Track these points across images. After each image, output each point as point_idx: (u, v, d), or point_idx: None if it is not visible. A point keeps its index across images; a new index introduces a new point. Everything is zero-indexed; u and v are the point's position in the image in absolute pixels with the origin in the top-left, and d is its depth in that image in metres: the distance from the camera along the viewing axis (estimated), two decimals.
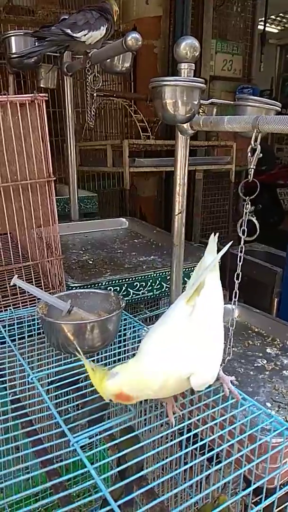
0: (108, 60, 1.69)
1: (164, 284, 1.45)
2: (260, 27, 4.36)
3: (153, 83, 0.96)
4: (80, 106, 3.11)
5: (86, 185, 3.22)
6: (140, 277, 1.41)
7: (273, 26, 6.75)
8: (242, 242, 0.80)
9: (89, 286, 1.29)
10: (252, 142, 0.80)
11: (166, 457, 0.71)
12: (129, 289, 1.39)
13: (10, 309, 1.02)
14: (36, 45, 1.45)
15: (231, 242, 0.83)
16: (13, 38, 1.77)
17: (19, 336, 0.98)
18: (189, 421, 0.74)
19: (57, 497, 0.60)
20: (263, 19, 4.47)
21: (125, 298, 1.17)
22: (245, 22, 4.01)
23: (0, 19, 2.80)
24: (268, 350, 1.15)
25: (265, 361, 1.10)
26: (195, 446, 0.68)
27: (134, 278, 1.40)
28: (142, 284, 1.41)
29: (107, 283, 1.35)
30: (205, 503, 0.70)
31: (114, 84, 3.45)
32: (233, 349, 1.15)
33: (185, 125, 1.03)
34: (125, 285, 1.39)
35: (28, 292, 1.02)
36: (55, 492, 0.63)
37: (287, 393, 0.97)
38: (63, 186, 2.37)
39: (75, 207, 2.09)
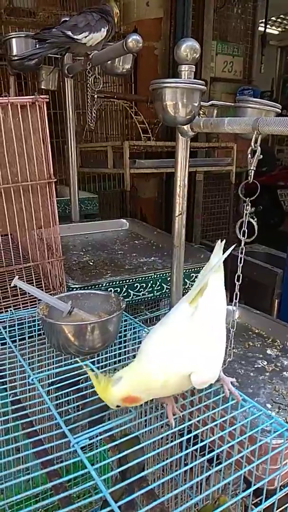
0: (109, 62, 1.69)
1: (164, 286, 1.45)
2: (261, 28, 4.36)
3: (153, 85, 0.97)
4: (80, 107, 3.11)
5: (86, 186, 3.22)
6: (140, 278, 1.41)
7: (273, 27, 6.75)
8: (242, 244, 0.81)
9: (89, 287, 1.29)
10: (252, 144, 0.80)
11: (167, 458, 0.71)
12: (129, 290, 1.39)
13: (10, 310, 1.02)
14: (37, 47, 1.45)
15: (235, 244, 0.83)
16: (14, 40, 1.77)
17: (19, 337, 0.98)
18: (189, 422, 0.74)
19: (57, 498, 0.60)
20: (263, 20, 4.48)
21: (126, 299, 1.17)
22: (245, 23, 4.01)
23: (1, 21, 2.80)
24: (269, 351, 1.15)
25: (265, 362, 1.10)
26: (195, 447, 0.68)
27: (134, 279, 1.40)
28: (143, 285, 1.41)
29: (107, 284, 1.35)
30: (205, 504, 0.70)
31: (114, 85, 3.46)
32: (234, 350, 1.15)
33: (185, 127, 1.03)
34: (126, 286, 1.39)
35: (28, 293, 1.02)
36: (56, 493, 0.63)
37: (287, 394, 0.97)
38: (64, 187, 2.37)
39: (75, 208, 2.09)
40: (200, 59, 3.16)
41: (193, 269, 1.47)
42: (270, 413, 0.72)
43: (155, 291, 1.44)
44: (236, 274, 0.82)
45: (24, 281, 0.97)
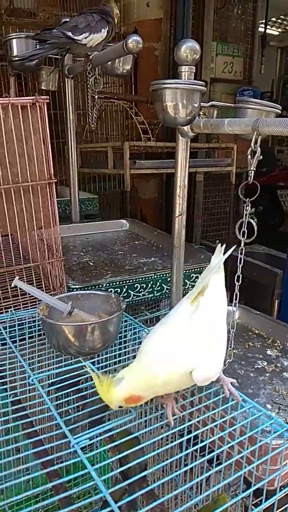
0: (109, 63, 1.69)
1: (164, 286, 1.45)
2: (261, 29, 4.37)
3: (153, 86, 0.97)
4: (81, 108, 3.11)
5: (87, 187, 3.22)
6: (140, 279, 1.41)
7: (273, 28, 6.76)
8: (242, 244, 0.81)
9: (89, 288, 1.29)
10: (252, 145, 0.80)
11: (167, 459, 0.71)
12: (129, 290, 1.39)
13: (11, 310, 1.03)
14: (38, 47, 1.46)
15: (235, 245, 0.83)
16: (14, 40, 1.77)
17: (20, 338, 0.98)
18: (190, 423, 0.74)
19: (58, 498, 0.60)
20: (263, 21, 4.48)
21: (126, 300, 1.17)
22: (245, 24, 4.02)
23: (1, 22, 2.81)
24: (269, 352, 1.16)
25: (265, 363, 1.10)
26: (195, 447, 0.68)
27: (134, 280, 1.40)
28: (143, 286, 1.42)
29: (107, 285, 1.35)
30: (205, 505, 0.70)
31: (115, 86, 3.46)
32: (234, 351, 1.15)
33: (185, 128, 1.03)
34: (126, 286, 1.39)
35: (29, 294, 1.03)
36: (56, 493, 0.63)
37: (287, 395, 0.97)
38: (64, 188, 2.37)
39: (75, 209, 2.09)
40: (200, 59, 3.16)
41: (193, 270, 1.48)
42: (270, 414, 0.72)
43: (155, 292, 1.44)
44: (236, 275, 0.82)
45: (24, 282, 0.97)
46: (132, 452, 0.65)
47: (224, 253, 0.80)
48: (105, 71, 1.77)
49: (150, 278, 1.42)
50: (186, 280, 1.42)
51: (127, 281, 1.39)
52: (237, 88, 3.98)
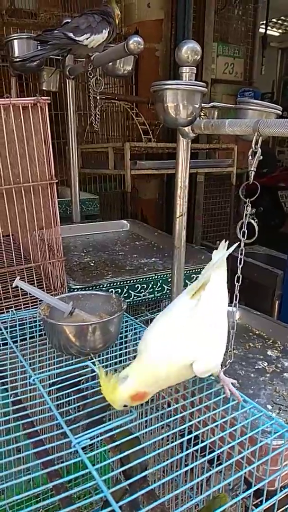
0: (110, 63, 1.70)
1: (165, 286, 1.45)
2: (262, 30, 4.37)
3: (154, 87, 0.97)
4: (82, 108, 3.12)
5: (87, 187, 3.23)
6: (141, 279, 1.41)
7: (274, 29, 6.76)
8: (242, 245, 0.81)
9: (90, 288, 1.30)
10: (253, 145, 0.80)
11: (167, 459, 0.71)
12: (130, 291, 1.40)
13: (12, 310, 1.03)
14: (39, 48, 1.46)
15: (238, 243, 0.83)
16: (15, 41, 1.77)
17: (20, 338, 0.98)
18: (190, 423, 0.74)
19: (58, 498, 0.60)
20: (264, 22, 4.49)
21: (126, 300, 1.18)
22: (246, 25, 4.02)
23: (2, 22, 2.81)
24: (269, 353, 1.16)
25: (266, 364, 1.10)
26: (195, 448, 0.68)
27: (135, 280, 1.40)
28: (143, 286, 1.42)
29: (108, 285, 1.36)
30: (205, 505, 0.70)
31: (115, 87, 3.46)
32: (234, 351, 1.15)
33: (186, 129, 1.03)
34: (126, 287, 1.39)
35: (29, 294, 1.03)
36: (56, 493, 0.63)
37: None
38: (65, 188, 2.38)
39: (76, 209, 2.09)
40: (201, 60, 3.17)
41: (193, 270, 1.48)
42: (271, 414, 0.72)
43: (156, 292, 1.45)
44: (236, 275, 0.82)
45: (25, 282, 0.97)
46: (133, 452, 0.65)
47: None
48: (106, 72, 1.77)
49: (150, 278, 1.42)
50: (186, 281, 1.42)
51: (128, 282, 1.39)
52: (237, 89, 3.99)
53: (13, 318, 1.00)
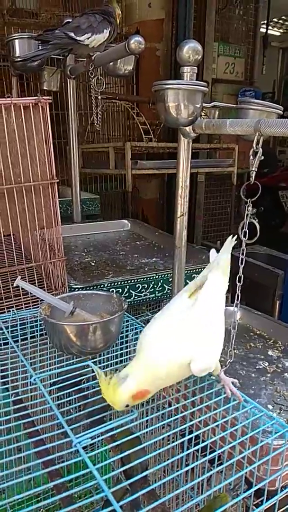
0: (111, 63, 1.70)
1: (166, 286, 1.45)
2: (262, 30, 4.36)
3: (156, 87, 0.97)
4: (82, 108, 3.12)
5: (88, 187, 3.23)
6: (142, 279, 1.41)
7: (275, 29, 6.75)
8: (243, 245, 0.81)
9: (91, 288, 1.30)
10: (254, 145, 0.80)
11: (168, 459, 0.71)
12: (131, 290, 1.40)
13: (13, 310, 1.03)
14: (40, 48, 1.46)
15: (230, 241, 0.84)
16: (17, 41, 1.77)
17: (21, 337, 0.98)
18: (191, 423, 0.74)
19: (59, 498, 0.60)
20: (265, 22, 4.48)
21: (127, 300, 1.18)
22: (247, 25, 4.02)
23: (3, 22, 2.81)
24: (270, 353, 1.16)
25: (266, 364, 1.10)
26: (196, 447, 0.68)
27: (136, 280, 1.40)
28: (144, 286, 1.42)
29: (109, 285, 1.36)
30: (206, 505, 0.70)
31: (116, 86, 3.46)
32: (235, 351, 1.15)
33: (187, 128, 1.03)
34: (127, 287, 1.39)
35: (30, 294, 1.03)
36: (57, 492, 0.63)
37: None
38: (66, 188, 2.38)
39: (77, 209, 2.10)
40: (202, 60, 3.17)
41: (194, 270, 1.48)
42: (272, 414, 0.72)
43: (157, 292, 1.45)
44: (238, 275, 0.82)
45: (26, 282, 0.97)
46: (134, 451, 0.65)
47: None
48: (107, 71, 1.77)
49: (151, 278, 1.42)
50: (187, 281, 1.41)
51: (129, 281, 1.39)
52: (238, 89, 3.99)
53: (14, 318, 1.01)
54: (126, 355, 0.95)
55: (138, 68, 3.23)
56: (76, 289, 1.25)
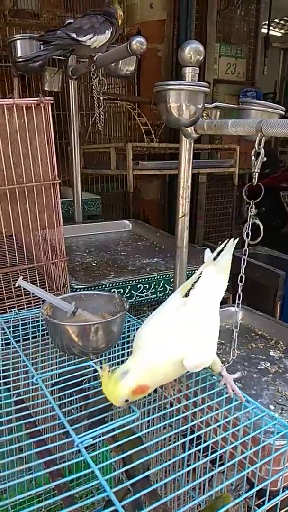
0: (113, 64, 1.70)
1: (167, 287, 1.45)
2: (264, 30, 4.37)
3: (157, 87, 0.97)
4: (84, 109, 3.12)
5: (89, 187, 3.23)
6: (143, 280, 1.41)
7: (276, 29, 6.75)
8: (246, 245, 0.81)
9: (92, 288, 1.30)
10: (256, 146, 0.80)
11: (169, 459, 0.71)
12: (132, 291, 1.40)
13: (14, 310, 1.03)
14: (42, 49, 1.46)
15: (234, 241, 0.84)
16: (18, 41, 1.78)
17: (23, 338, 0.98)
18: (193, 423, 0.74)
19: (61, 498, 0.60)
20: (266, 22, 4.48)
21: (129, 300, 1.18)
22: (248, 25, 4.02)
23: (5, 23, 2.82)
24: (272, 353, 1.15)
25: (268, 364, 1.10)
26: (198, 448, 0.68)
27: (137, 280, 1.40)
28: (146, 287, 1.42)
29: (110, 285, 1.36)
30: (208, 505, 0.70)
31: (118, 87, 3.47)
32: (237, 351, 1.15)
33: (189, 129, 1.03)
34: (129, 287, 1.39)
35: (32, 294, 1.03)
36: (59, 492, 0.63)
37: None
38: (67, 188, 2.38)
39: (79, 209, 2.10)
40: (203, 61, 3.17)
41: (195, 271, 1.47)
42: (273, 414, 0.72)
43: (158, 292, 1.45)
44: (240, 276, 0.82)
45: (28, 282, 0.97)
46: (135, 452, 0.65)
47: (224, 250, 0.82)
48: (108, 72, 1.78)
49: (153, 278, 1.42)
50: None
51: (130, 282, 1.39)
52: (240, 89, 3.99)
53: (16, 318, 1.01)
54: (128, 355, 0.95)
55: (139, 69, 3.23)
56: (78, 290, 1.25)
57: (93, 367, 0.81)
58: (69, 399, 0.79)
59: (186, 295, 0.80)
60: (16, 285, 0.95)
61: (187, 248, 1.17)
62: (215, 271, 0.82)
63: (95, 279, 1.43)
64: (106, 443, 0.75)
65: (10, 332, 0.96)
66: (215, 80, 3.81)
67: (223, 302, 0.90)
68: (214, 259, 0.85)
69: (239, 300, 0.84)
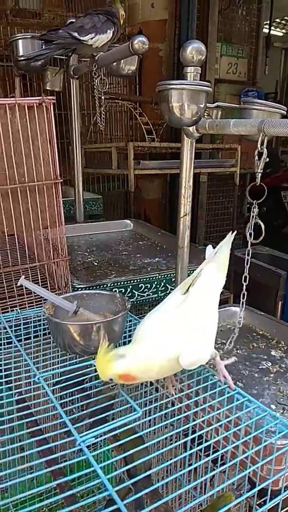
0: (114, 63, 1.70)
1: (168, 286, 1.45)
2: (265, 30, 4.36)
3: (160, 87, 0.97)
4: (85, 108, 3.12)
5: (91, 187, 3.23)
6: (145, 279, 1.41)
7: (278, 29, 6.74)
8: (249, 245, 0.81)
9: (94, 288, 1.30)
10: (259, 146, 0.80)
11: (171, 458, 0.71)
12: (134, 290, 1.40)
13: (16, 309, 1.03)
14: (44, 48, 1.46)
15: (228, 237, 0.85)
16: (20, 41, 1.78)
17: (25, 337, 0.99)
18: (194, 423, 0.74)
19: (62, 497, 0.60)
20: (268, 22, 4.48)
21: (130, 300, 1.18)
22: (250, 25, 4.02)
23: (7, 22, 2.82)
24: (273, 353, 1.16)
25: (269, 364, 1.10)
26: (199, 447, 0.68)
27: (139, 280, 1.40)
28: (147, 286, 1.42)
29: (112, 285, 1.36)
30: (209, 504, 0.70)
31: (119, 87, 3.47)
32: (238, 351, 1.15)
33: (191, 128, 1.03)
34: (130, 286, 1.39)
35: (34, 293, 1.03)
36: (60, 491, 0.63)
37: None
38: (69, 188, 2.38)
39: (80, 209, 2.10)
40: (205, 60, 3.16)
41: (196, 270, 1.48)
42: (275, 414, 0.72)
43: (160, 292, 1.45)
44: (244, 275, 0.83)
45: (30, 281, 0.97)
46: (137, 451, 0.65)
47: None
48: (110, 71, 1.78)
49: (154, 278, 1.43)
50: None
51: (132, 281, 1.39)
52: (241, 89, 3.98)
53: (18, 317, 1.01)
54: None
55: (140, 68, 3.23)
56: (79, 289, 1.25)
57: (94, 366, 0.81)
58: (71, 398, 0.79)
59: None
60: (18, 284, 0.95)
61: (188, 248, 1.17)
62: (216, 268, 0.82)
63: (97, 278, 1.43)
64: (108, 442, 0.75)
65: (12, 331, 0.96)
66: (216, 80, 3.81)
67: (224, 302, 0.90)
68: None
69: (243, 298, 0.84)
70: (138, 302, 1.42)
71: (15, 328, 0.98)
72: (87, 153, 3.10)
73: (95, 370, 0.82)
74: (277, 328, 1.25)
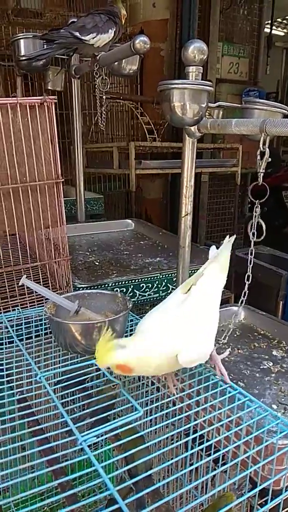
0: (116, 63, 1.70)
1: (170, 286, 1.45)
2: (267, 30, 4.36)
3: (161, 86, 0.97)
4: (87, 108, 3.12)
5: (92, 186, 3.23)
6: (146, 279, 1.41)
7: (279, 29, 6.73)
8: (252, 245, 0.81)
9: (95, 287, 1.30)
10: (261, 146, 0.80)
11: (172, 458, 0.71)
12: (135, 290, 1.40)
13: (18, 309, 1.03)
14: (45, 47, 1.46)
15: (233, 238, 0.85)
16: (22, 40, 1.78)
17: (26, 336, 0.99)
18: (195, 422, 0.74)
19: (64, 496, 0.60)
20: (269, 22, 4.47)
21: (131, 299, 1.18)
22: (251, 25, 4.01)
23: (8, 22, 2.82)
24: (274, 353, 1.15)
25: (271, 363, 1.10)
26: (201, 447, 0.68)
27: (140, 280, 1.40)
28: (148, 286, 1.42)
29: (113, 284, 1.36)
30: (211, 504, 0.70)
31: (120, 86, 3.47)
32: (239, 351, 1.15)
33: (192, 128, 1.03)
34: (131, 286, 1.39)
35: (35, 292, 1.03)
36: (62, 491, 0.63)
37: None
38: (70, 187, 2.38)
39: (81, 208, 2.10)
40: (206, 60, 3.16)
41: (198, 270, 1.47)
42: (276, 414, 0.72)
43: (161, 292, 1.45)
44: (246, 274, 0.83)
45: (31, 280, 0.98)
46: (138, 451, 0.65)
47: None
48: (111, 71, 1.78)
49: (155, 278, 1.42)
50: None
51: (133, 281, 1.39)
52: (242, 89, 3.98)
53: (19, 316, 1.01)
54: None
55: (142, 68, 3.23)
56: (81, 289, 1.25)
57: (96, 366, 0.81)
58: (72, 397, 0.79)
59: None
60: (20, 284, 0.95)
61: (190, 248, 1.17)
62: (219, 268, 0.82)
63: (98, 278, 1.43)
64: (109, 442, 0.75)
65: (13, 330, 0.96)
66: (218, 80, 3.80)
67: (225, 302, 0.90)
68: None
69: (244, 297, 0.84)
70: (140, 301, 1.42)
71: (17, 328, 0.98)
72: (89, 152, 3.10)
73: (96, 370, 0.82)
74: (278, 328, 1.25)
